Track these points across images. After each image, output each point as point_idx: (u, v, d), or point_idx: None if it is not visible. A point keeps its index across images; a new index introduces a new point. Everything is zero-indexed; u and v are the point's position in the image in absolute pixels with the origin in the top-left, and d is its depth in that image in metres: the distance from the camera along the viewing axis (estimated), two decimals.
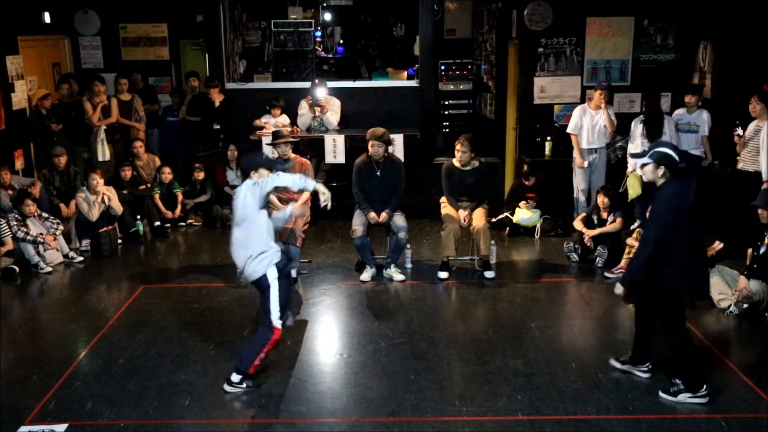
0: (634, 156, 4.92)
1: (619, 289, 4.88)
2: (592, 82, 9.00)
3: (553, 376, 5.08)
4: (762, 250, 6.00)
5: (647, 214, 4.71)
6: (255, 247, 4.85)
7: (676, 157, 4.55)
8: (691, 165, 8.01)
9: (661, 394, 4.77)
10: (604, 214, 7.49)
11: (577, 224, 7.62)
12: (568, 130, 8.45)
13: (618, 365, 5.11)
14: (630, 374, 5.03)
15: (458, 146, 7.13)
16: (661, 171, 4.55)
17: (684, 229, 4.51)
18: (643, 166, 4.64)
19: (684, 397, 4.70)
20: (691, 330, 4.86)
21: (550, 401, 4.73)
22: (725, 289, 6.16)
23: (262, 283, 4.90)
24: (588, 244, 7.41)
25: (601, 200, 7.49)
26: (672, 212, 4.47)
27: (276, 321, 4.85)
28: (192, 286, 6.97)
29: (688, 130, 8.17)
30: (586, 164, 8.36)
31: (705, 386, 4.72)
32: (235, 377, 4.90)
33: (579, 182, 8.50)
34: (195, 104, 9.71)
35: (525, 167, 8.69)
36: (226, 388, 4.89)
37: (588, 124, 8.26)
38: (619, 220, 7.39)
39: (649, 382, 4.94)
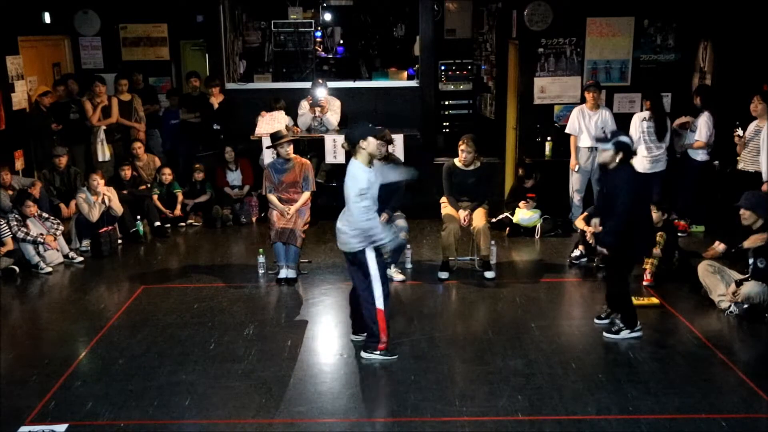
0: (598, 140, 5.61)
1: (602, 250, 5.62)
2: None
3: (553, 376, 5.08)
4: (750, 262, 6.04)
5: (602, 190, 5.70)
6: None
7: (632, 146, 5.58)
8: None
9: (605, 334, 5.66)
10: None
11: (579, 223, 7.61)
12: (567, 131, 8.50)
13: (601, 322, 5.87)
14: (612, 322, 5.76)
15: (462, 146, 7.11)
16: (619, 156, 5.41)
17: (640, 203, 5.46)
18: (603, 150, 5.45)
19: (624, 334, 5.60)
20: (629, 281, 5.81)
21: (550, 401, 4.73)
22: (725, 289, 6.15)
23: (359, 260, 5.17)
24: (590, 242, 7.38)
25: None
26: (632, 190, 5.33)
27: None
28: (192, 286, 6.96)
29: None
30: (577, 167, 8.41)
31: (639, 323, 5.62)
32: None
33: (574, 183, 8.52)
34: (189, 102, 9.70)
35: (520, 171, 8.69)
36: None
37: (587, 125, 8.28)
38: None
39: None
